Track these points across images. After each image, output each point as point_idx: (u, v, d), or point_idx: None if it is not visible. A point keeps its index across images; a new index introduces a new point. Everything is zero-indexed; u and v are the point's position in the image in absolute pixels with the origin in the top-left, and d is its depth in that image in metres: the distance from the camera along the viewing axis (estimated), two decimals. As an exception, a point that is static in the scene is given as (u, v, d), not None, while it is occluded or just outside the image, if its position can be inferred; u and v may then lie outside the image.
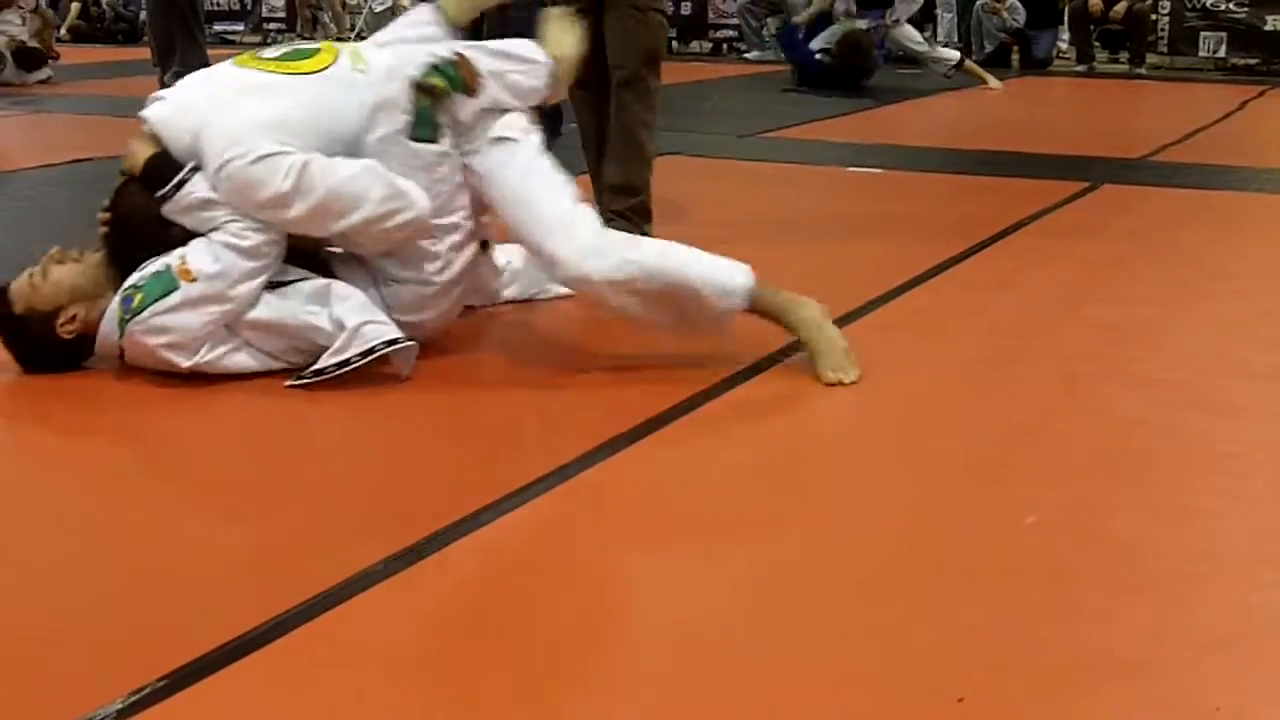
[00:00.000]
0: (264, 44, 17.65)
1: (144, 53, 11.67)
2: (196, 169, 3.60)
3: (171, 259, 3.57)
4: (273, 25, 19.45)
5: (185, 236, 3.63)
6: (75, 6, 18.61)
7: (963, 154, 8.28)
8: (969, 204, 6.50)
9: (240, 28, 19.64)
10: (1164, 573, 2.65)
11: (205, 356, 3.59)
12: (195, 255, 3.56)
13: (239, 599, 2.47)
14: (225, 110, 3.66)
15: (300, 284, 3.68)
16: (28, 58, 12.17)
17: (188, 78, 3.93)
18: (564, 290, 4.19)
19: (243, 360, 3.64)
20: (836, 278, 4.88)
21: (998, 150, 8.28)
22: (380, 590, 2.49)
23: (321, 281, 3.69)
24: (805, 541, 2.74)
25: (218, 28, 19.61)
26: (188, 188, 3.58)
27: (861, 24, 11.77)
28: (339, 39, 17.56)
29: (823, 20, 12.04)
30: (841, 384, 3.59)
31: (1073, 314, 4.45)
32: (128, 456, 3.39)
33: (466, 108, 3.74)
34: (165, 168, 3.62)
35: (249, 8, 19.76)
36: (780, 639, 2.34)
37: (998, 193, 6.73)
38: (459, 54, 3.77)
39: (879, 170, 7.56)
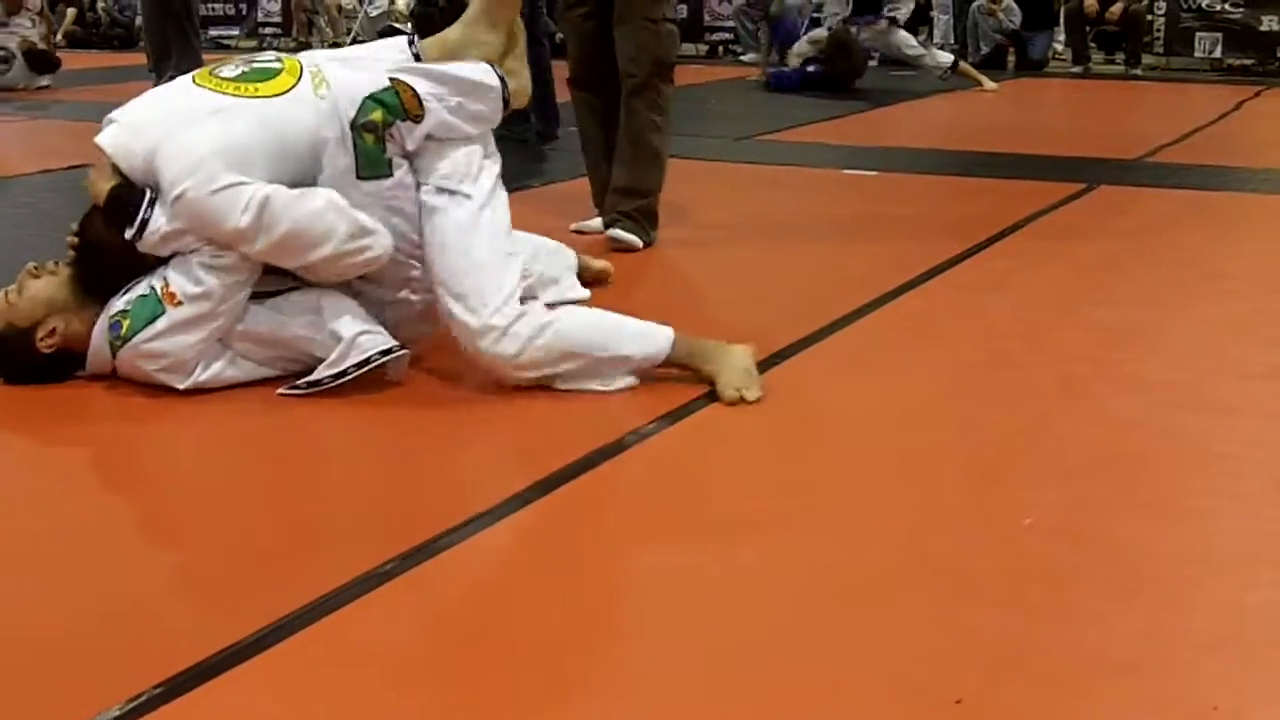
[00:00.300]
0: (259, 48, 17.68)
1: (140, 58, 11.67)
2: (155, 201, 3.52)
3: (155, 281, 3.54)
4: (268, 30, 19.46)
5: (158, 261, 3.59)
6: (71, 12, 18.60)
7: (958, 156, 8.29)
8: (965, 206, 6.51)
9: (235, 32, 19.64)
10: (1161, 574, 2.66)
11: (200, 376, 3.58)
12: (177, 277, 3.52)
13: (236, 604, 2.47)
14: (179, 133, 3.55)
15: (291, 294, 3.66)
16: (39, 59, 12.18)
17: (142, 95, 3.83)
18: (581, 293, 4.19)
19: (235, 374, 3.63)
20: (832, 280, 4.90)
21: (993, 152, 8.29)
22: (379, 594, 2.50)
23: (313, 291, 3.67)
24: (803, 544, 2.74)
25: (213, 32, 19.60)
26: (152, 225, 3.50)
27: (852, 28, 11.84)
28: (335, 44, 17.59)
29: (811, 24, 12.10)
30: (744, 400, 3.52)
31: (1069, 316, 4.45)
32: (121, 464, 3.38)
33: (413, 134, 3.64)
34: (126, 202, 3.54)
35: (244, 12, 19.76)
36: (778, 641, 2.34)
37: (994, 194, 6.73)
38: (396, 80, 3.65)
39: (875, 172, 7.56)
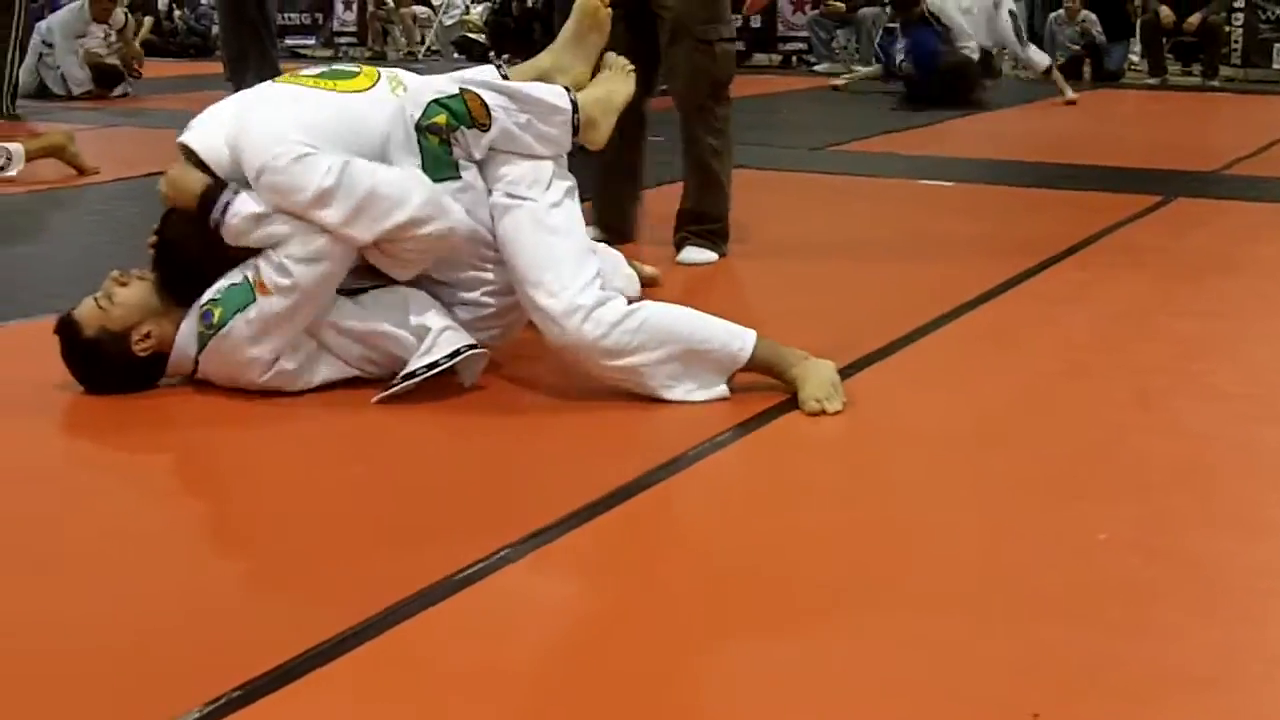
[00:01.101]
0: (334, 58, 17.78)
1: (216, 67, 11.79)
2: (238, 191, 3.58)
3: (247, 271, 3.58)
4: (344, 39, 19.58)
5: (239, 257, 3.63)
6: (148, 21, 18.77)
7: (1034, 167, 8.24)
8: (1041, 217, 6.47)
9: (312, 42, 19.77)
10: (1237, 588, 2.64)
11: (284, 366, 3.61)
12: (267, 269, 3.55)
13: (316, 609, 2.48)
14: (259, 117, 3.67)
15: (376, 292, 3.69)
16: (105, 75, 12.30)
17: (229, 99, 3.91)
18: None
19: (319, 372, 3.67)
20: (907, 291, 4.88)
21: (1070, 164, 8.24)
22: (457, 600, 2.51)
23: (398, 290, 3.70)
24: (878, 555, 2.73)
25: (289, 42, 19.73)
26: (234, 208, 3.55)
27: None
28: (409, 52, 17.68)
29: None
30: (824, 412, 3.51)
31: (1146, 328, 4.43)
32: (205, 469, 3.41)
33: (479, 142, 3.68)
34: (210, 197, 3.59)
35: (320, 22, 19.89)
36: (853, 653, 2.34)
37: (1070, 206, 6.70)
38: (465, 89, 3.70)
39: (950, 184, 7.54)
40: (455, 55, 17.24)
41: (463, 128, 3.66)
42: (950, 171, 7.93)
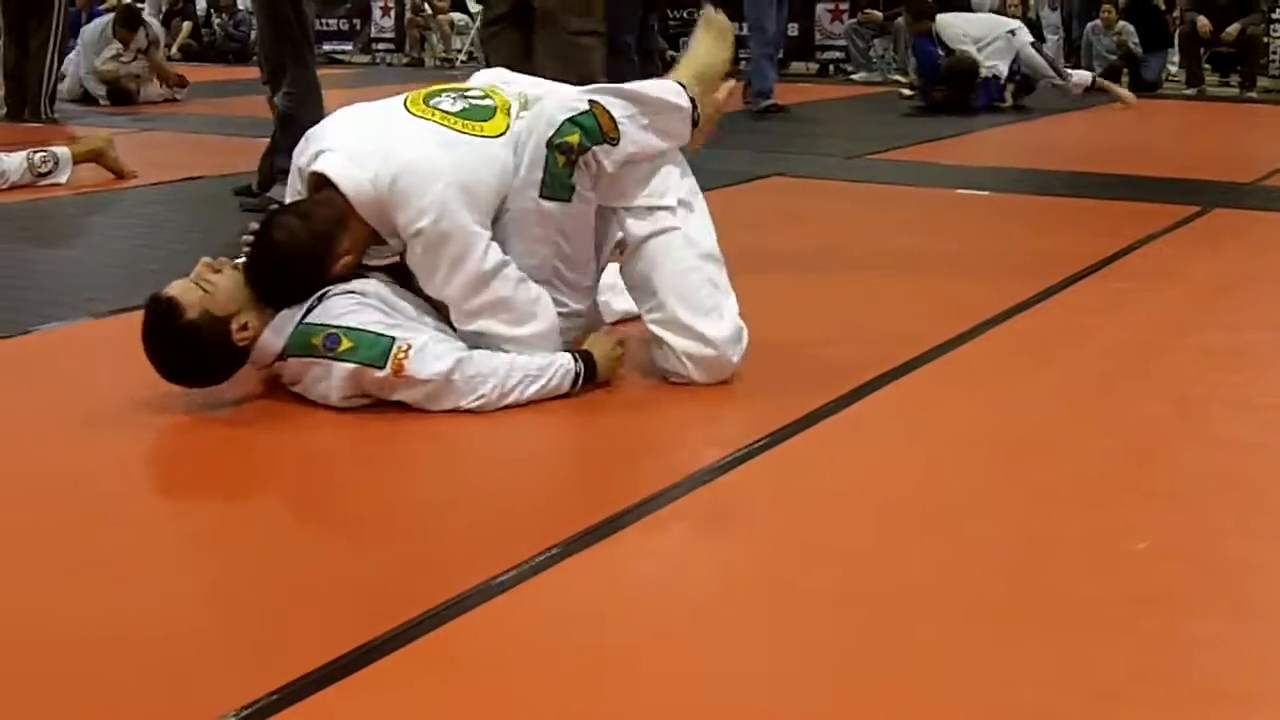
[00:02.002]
0: (371, 64, 17.80)
1: (254, 72, 11.78)
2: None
3: (399, 331, 3.53)
4: (381, 46, 19.64)
5: (342, 278, 3.64)
6: (186, 25, 18.87)
7: (1071, 177, 8.21)
8: (1078, 228, 6.46)
9: (349, 47, 19.84)
10: (1276, 600, 2.62)
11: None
12: (418, 358, 3.49)
13: (352, 613, 2.49)
14: (416, 166, 3.61)
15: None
16: (118, 94, 12.35)
17: (346, 117, 3.87)
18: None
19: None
20: (943, 300, 4.87)
21: (1107, 174, 8.21)
22: (496, 605, 2.51)
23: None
24: (911, 564, 2.73)
25: (326, 47, 19.79)
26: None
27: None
28: (446, 59, 17.71)
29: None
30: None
31: (1183, 339, 4.41)
32: (232, 472, 3.41)
33: (610, 157, 3.70)
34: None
35: (358, 28, 19.96)
36: (886, 665, 2.33)
37: (1107, 216, 6.68)
38: (594, 102, 3.71)
39: (987, 192, 7.53)
40: (491, 64, 17.23)
41: (594, 147, 3.66)
42: (987, 180, 7.92)
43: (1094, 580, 2.65)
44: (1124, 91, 11.97)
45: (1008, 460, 3.35)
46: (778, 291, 5.03)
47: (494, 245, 3.63)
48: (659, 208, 3.81)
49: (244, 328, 3.57)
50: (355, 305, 3.57)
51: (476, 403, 3.52)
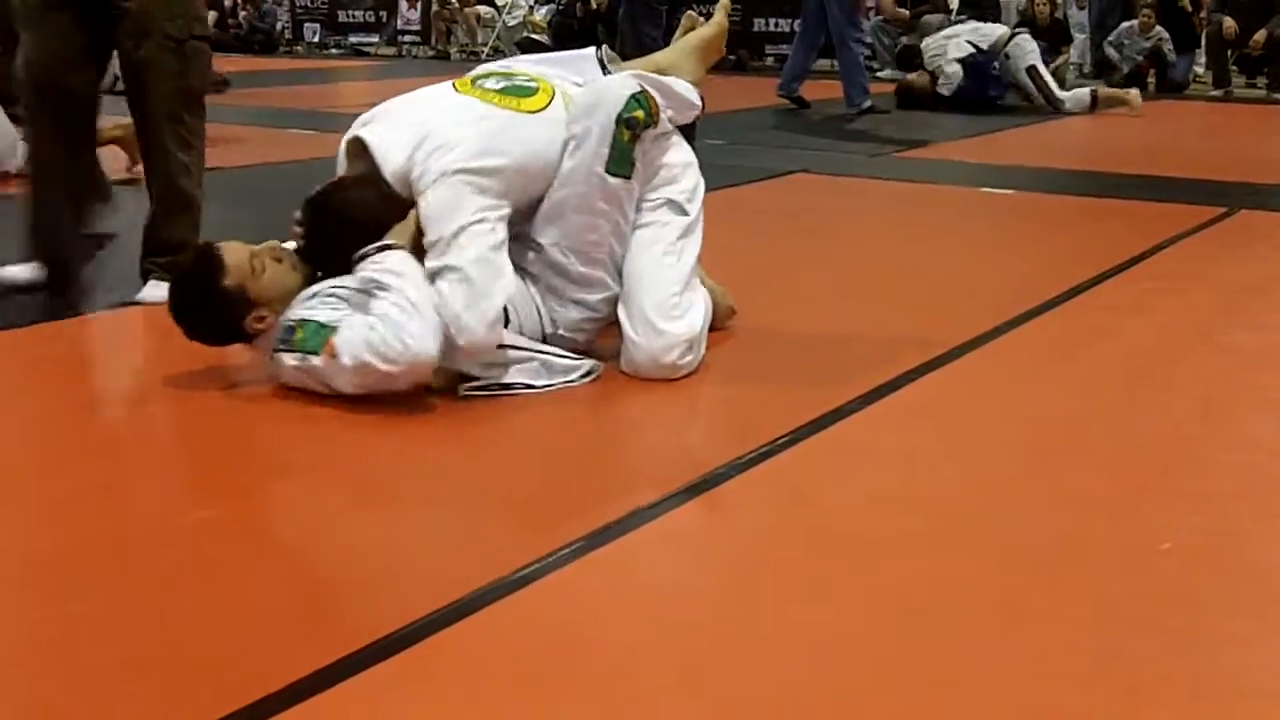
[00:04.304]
0: (397, 56, 17.83)
1: (280, 63, 11.86)
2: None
3: (335, 319, 3.55)
4: (407, 38, 19.66)
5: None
6: (212, 15, 18.91)
7: (1097, 177, 8.21)
8: (1103, 227, 6.45)
9: (375, 40, 19.87)
10: (1302, 602, 2.62)
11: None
12: (346, 336, 3.49)
13: (373, 605, 2.50)
14: (445, 131, 3.68)
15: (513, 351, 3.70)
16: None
17: (402, 99, 3.92)
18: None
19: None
20: (968, 299, 4.87)
21: (1133, 174, 8.20)
22: (516, 599, 2.52)
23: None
24: (936, 564, 2.73)
25: (353, 39, 19.89)
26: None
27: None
28: (472, 52, 17.73)
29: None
30: None
31: (1209, 340, 4.40)
32: (245, 466, 3.42)
33: (649, 138, 3.83)
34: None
35: (384, 20, 19.99)
36: (916, 662, 2.33)
37: (1133, 216, 6.66)
38: (644, 87, 3.84)
39: (1012, 191, 7.52)
40: (518, 56, 17.25)
41: (651, 123, 3.80)
42: (1013, 180, 7.91)
43: (1119, 579, 2.65)
44: (1132, 96, 11.91)
45: (1032, 459, 3.35)
46: (801, 288, 5.04)
47: (498, 222, 3.65)
48: (659, 201, 3.90)
49: (261, 319, 3.65)
50: (318, 302, 3.64)
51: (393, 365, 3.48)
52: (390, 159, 3.68)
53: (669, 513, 2.94)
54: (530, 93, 3.90)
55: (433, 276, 3.56)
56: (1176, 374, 4.04)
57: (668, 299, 3.81)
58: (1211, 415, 3.66)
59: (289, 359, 3.59)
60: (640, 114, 3.76)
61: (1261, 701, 2.22)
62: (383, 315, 3.46)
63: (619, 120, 3.74)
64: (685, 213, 3.92)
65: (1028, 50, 12.02)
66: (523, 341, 3.72)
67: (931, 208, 7.16)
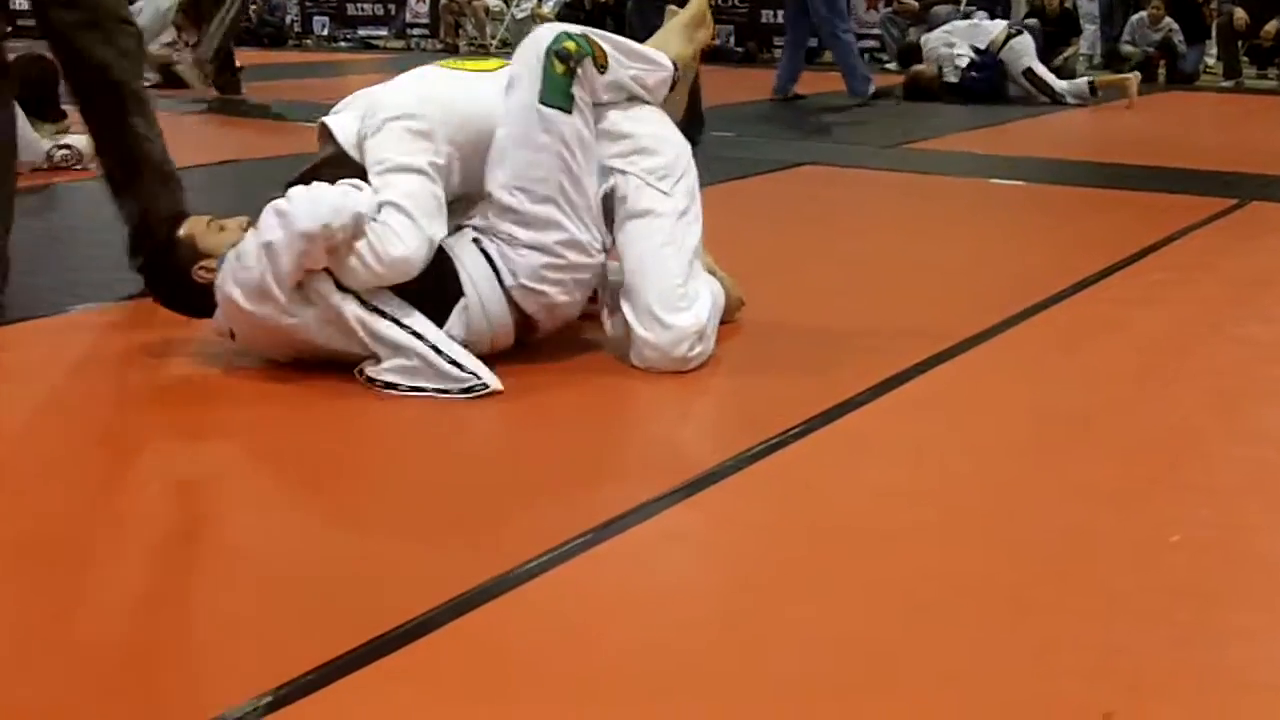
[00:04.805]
0: (405, 49, 17.85)
1: (291, 56, 11.87)
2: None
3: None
4: (416, 31, 19.66)
5: None
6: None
7: (1107, 168, 8.19)
8: (1113, 219, 6.43)
9: (384, 33, 19.87)
10: (1312, 595, 2.62)
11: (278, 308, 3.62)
12: (267, 209, 3.61)
13: (389, 593, 2.49)
14: (387, 96, 3.87)
15: (391, 329, 3.65)
16: (172, 79, 12.35)
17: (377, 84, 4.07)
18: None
19: (316, 340, 3.67)
20: (978, 291, 4.86)
21: (1142, 165, 8.18)
22: (519, 593, 2.51)
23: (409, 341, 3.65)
24: (946, 556, 2.72)
25: (362, 32, 19.88)
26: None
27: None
28: (480, 45, 17.72)
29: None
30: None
31: (1219, 332, 4.39)
32: (255, 454, 3.42)
33: (597, 83, 3.83)
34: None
35: (393, 13, 19.99)
36: (923, 657, 2.32)
37: (1143, 208, 6.65)
38: (586, 33, 3.88)
39: (1022, 183, 7.51)
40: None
41: (589, 59, 3.79)
42: (1023, 171, 7.90)
43: (1128, 573, 2.64)
44: (1129, 80, 11.88)
45: (1041, 452, 3.34)
46: (809, 280, 5.03)
47: (435, 172, 3.74)
48: (657, 189, 3.88)
49: (207, 270, 3.71)
50: None
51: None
52: (345, 133, 3.84)
53: (676, 505, 2.93)
54: (487, 59, 4.11)
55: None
56: (1186, 367, 4.03)
57: (671, 290, 3.78)
58: (1221, 408, 3.65)
59: (218, 279, 3.65)
60: (571, 45, 3.76)
61: (1270, 695, 2.21)
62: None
63: (549, 52, 3.75)
64: (667, 194, 3.87)
65: (1023, 53, 11.97)
66: (417, 325, 3.65)
67: (940, 200, 7.15)
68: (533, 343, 3.86)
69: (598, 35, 3.91)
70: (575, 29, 3.87)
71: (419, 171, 3.70)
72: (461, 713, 2.14)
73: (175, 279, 3.77)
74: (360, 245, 3.58)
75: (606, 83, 3.86)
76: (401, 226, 3.61)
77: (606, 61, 3.84)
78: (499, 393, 3.58)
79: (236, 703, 2.11)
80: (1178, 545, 2.77)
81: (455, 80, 3.94)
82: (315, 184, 3.64)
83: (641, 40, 4.19)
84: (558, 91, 3.73)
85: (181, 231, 3.76)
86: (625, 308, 3.81)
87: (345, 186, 3.65)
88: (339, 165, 3.80)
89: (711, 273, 4.03)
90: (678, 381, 3.74)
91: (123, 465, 3.28)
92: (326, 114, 3.95)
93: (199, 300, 3.74)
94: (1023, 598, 2.54)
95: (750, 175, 7.35)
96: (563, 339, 3.94)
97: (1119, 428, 3.50)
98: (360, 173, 3.75)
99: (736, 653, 2.32)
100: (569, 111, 3.74)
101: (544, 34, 3.84)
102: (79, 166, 7.29)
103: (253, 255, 3.57)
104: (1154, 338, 4.34)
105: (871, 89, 11.50)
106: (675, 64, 4.08)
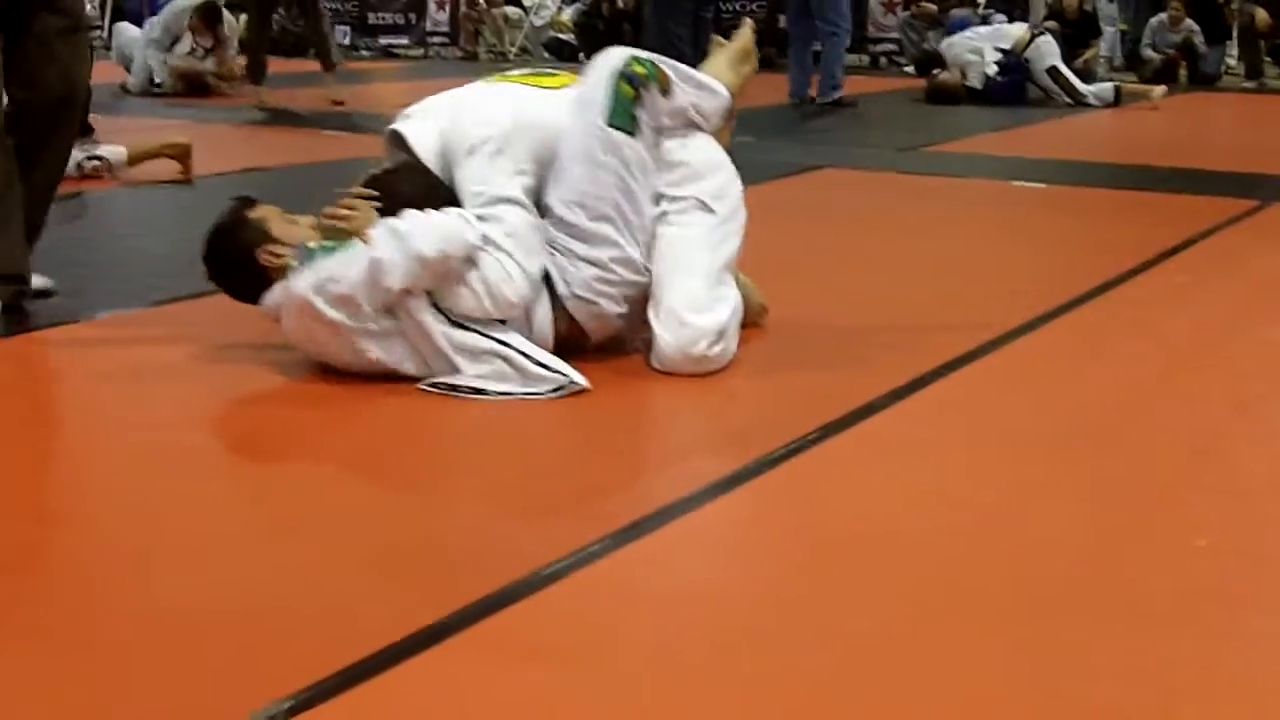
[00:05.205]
0: (425, 57, 17.87)
1: (313, 65, 11.89)
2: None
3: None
4: (436, 39, 19.66)
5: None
6: (244, 19, 18.92)
7: (1129, 169, 8.17)
8: (1136, 220, 6.42)
9: (404, 41, 19.87)
10: (1339, 597, 2.61)
11: (369, 339, 3.63)
12: (378, 225, 3.62)
13: (405, 600, 2.49)
14: (469, 112, 3.88)
15: (478, 339, 3.67)
16: (196, 88, 12.39)
17: (439, 95, 4.06)
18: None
19: (375, 353, 3.66)
20: (1001, 293, 4.85)
21: (1164, 167, 8.17)
22: (549, 593, 2.51)
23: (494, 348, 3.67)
24: (972, 561, 2.71)
25: (383, 41, 19.87)
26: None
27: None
28: (500, 53, 17.73)
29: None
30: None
31: (1243, 333, 4.38)
32: (297, 452, 3.42)
33: (660, 108, 3.87)
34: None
35: (413, 22, 19.99)
36: (949, 659, 2.32)
37: (1165, 210, 6.64)
38: (651, 57, 3.92)
39: (1043, 185, 7.50)
40: (545, 56, 17.29)
41: (654, 84, 3.85)
42: (1043, 173, 7.88)
43: (1154, 575, 2.64)
44: (1155, 91, 11.89)
45: (1066, 454, 3.33)
46: (832, 283, 5.04)
47: (525, 195, 3.75)
48: (705, 209, 3.92)
49: (274, 255, 3.71)
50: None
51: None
52: (423, 144, 3.85)
53: (701, 507, 2.94)
54: (552, 74, 4.10)
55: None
56: (1210, 368, 4.02)
57: (694, 293, 3.80)
58: (1246, 410, 3.64)
59: (296, 279, 3.63)
60: (641, 70, 3.83)
61: (1299, 697, 2.21)
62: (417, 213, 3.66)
63: (619, 74, 3.81)
64: (712, 210, 3.92)
65: (1047, 52, 11.96)
66: (502, 335, 3.67)
67: (961, 202, 7.14)
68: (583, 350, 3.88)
69: (662, 61, 3.95)
70: (643, 53, 3.92)
71: (517, 204, 3.72)
72: (484, 715, 2.14)
73: (237, 256, 3.76)
74: (472, 276, 3.62)
75: (669, 108, 3.91)
76: (514, 269, 3.65)
77: (670, 87, 3.90)
78: (587, 390, 3.62)
79: (270, 699, 2.11)
80: (1204, 548, 2.76)
81: (535, 100, 3.93)
82: (427, 210, 3.65)
83: (659, 47, 4.23)
84: (623, 114, 3.80)
85: (254, 213, 3.79)
86: (649, 311, 3.82)
87: (456, 215, 3.66)
88: (413, 173, 3.83)
89: (734, 278, 4.03)
90: (700, 384, 3.74)
91: (169, 462, 3.29)
92: (373, 123, 3.98)
93: (252, 281, 3.75)
94: (1049, 600, 2.53)
95: (769, 179, 7.34)
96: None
97: (1143, 429, 3.50)
98: (435, 182, 3.79)
99: (763, 653, 2.32)
100: (632, 134, 3.82)
101: (614, 56, 3.89)
102: (108, 176, 7.32)
103: (347, 265, 3.58)
104: (1178, 340, 4.33)
105: (835, 96, 11.39)
106: (732, 94, 4.13)
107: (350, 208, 3.71)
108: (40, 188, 4.59)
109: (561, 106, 3.88)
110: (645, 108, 3.83)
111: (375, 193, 3.74)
